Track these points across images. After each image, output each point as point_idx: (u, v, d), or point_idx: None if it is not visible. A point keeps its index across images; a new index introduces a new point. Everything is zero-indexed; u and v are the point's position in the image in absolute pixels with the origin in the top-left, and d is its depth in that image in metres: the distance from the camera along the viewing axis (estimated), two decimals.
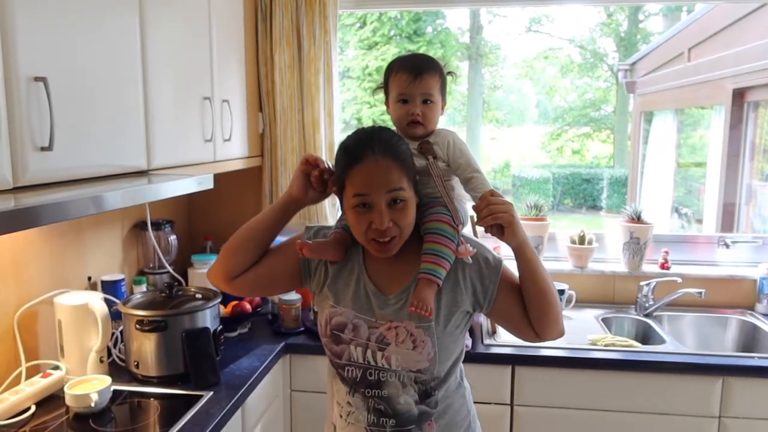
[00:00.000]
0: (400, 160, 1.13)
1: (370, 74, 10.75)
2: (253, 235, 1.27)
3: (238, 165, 2.26)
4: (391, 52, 10.66)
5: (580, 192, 11.76)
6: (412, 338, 1.18)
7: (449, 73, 1.32)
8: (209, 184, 1.67)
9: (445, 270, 1.18)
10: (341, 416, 1.28)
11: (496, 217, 1.13)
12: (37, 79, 1.18)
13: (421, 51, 10.94)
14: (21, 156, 1.16)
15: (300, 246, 1.20)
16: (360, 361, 1.21)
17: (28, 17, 1.17)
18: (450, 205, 1.21)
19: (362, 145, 1.13)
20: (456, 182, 1.29)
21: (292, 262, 1.28)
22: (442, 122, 1.32)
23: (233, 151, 2.19)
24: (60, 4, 1.26)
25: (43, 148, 1.21)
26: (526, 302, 1.23)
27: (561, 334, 1.26)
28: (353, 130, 1.20)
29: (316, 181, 1.22)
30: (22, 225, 1.04)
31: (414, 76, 1.24)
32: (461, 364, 1.32)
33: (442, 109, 1.30)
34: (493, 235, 1.15)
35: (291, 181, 1.25)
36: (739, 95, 4.59)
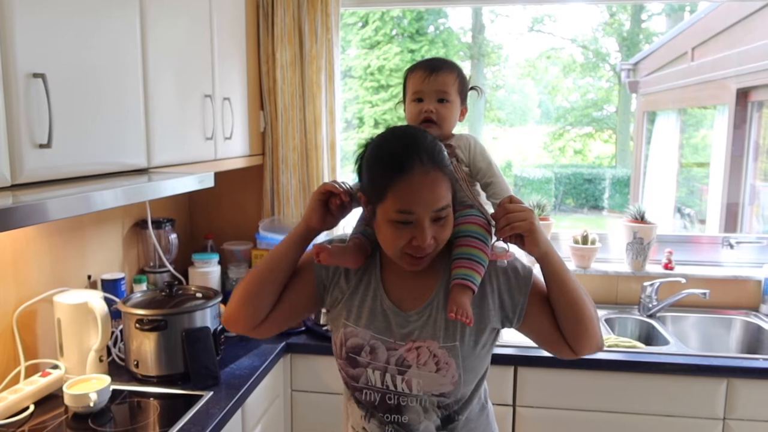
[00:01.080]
0: (446, 171, 1.04)
1: (371, 74, 10.73)
2: (271, 277, 1.15)
3: (239, 163, 2.24)
4: (393, 52, 10.64)
5: (582, 192, 11.73)
6: (435, 359, 1.10)
7: (473, 88, 1.29)
8: (210, 183, 1.65)
9: (480, 275, 1.10)
10: None
11: (514, 227, 1.04)
12: (35, 75, 1.17)
13: (423, 50, 10.93)
14: (19, 153, 1.15)
15: (317, 250, 1.11)
16: (378, 386, 1.14)
17: (27, 13, 1.15)
18: (481, 207, 1.16)
19: (409, 154, 1.01)
20: (479, 188, 1.25)
21: (309, 286, 1.19)
22: (461, 129, 1.28)
23: (234, 149, 2.17)
24: (60, 1, 1.25)
25: (41, 146, 1.19)
26: (557, 316, 1.13)
27: (599, 348, 1.15)
28: (385, 130, 1.10)
29: (337, 208, 1.13)
30: (20, 222, 1.02)
31: (429, 73, 1.21)
32: (486, 384, 1.23)
33: (462, 114, 1.26)
34: (513, 244, 1.09)
35: (307, 211, 1.14)
36: (742, 95, 4.56)
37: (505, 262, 1.15)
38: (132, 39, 1.51)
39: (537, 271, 1.16)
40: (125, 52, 1.49)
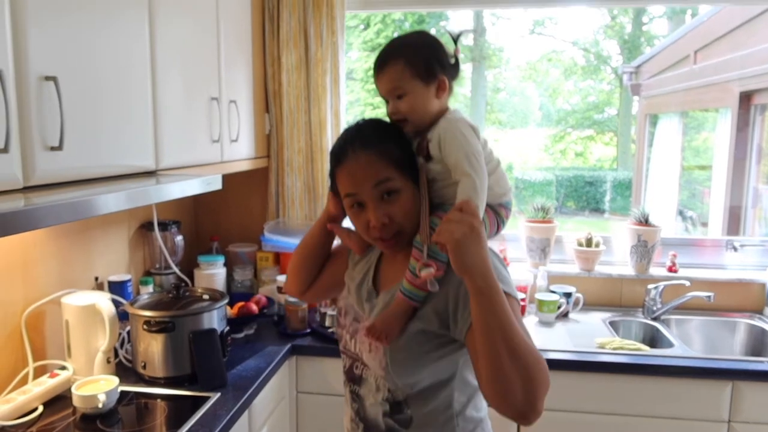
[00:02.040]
0: (382, 150, 1.07)
1: (373, 76, 10.75)
2: (306, 253, 1.32)
3: (244, 166, 2.25)
4: None
5: (584, 195, 11.73)
6: (369, 340, 1.12)
7: (461, 34, 1.15)
8: (218, 185, 1.66)
9: (425, 290, 1.06)
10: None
11: (439, 234, 0.95)
12: (48, 78, 1.18)
13: None
14: (31, 155, 1.16)
15: (331, 227, 1.24)
16: (351, 351, 1.20)
17: (40, 17, 1.16)
18: (423, 219, 1.07)
19: (344, 144, 1.10)
20: (492, 180, 1.11)
21: (343, 265, 1.31)
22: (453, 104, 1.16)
23: (240, 151, 2.18)
24: (71, 4, 1.26)
25: (53, 148, 1.20)
26: (476, 354, 0.97)
27: (520, 416, 0.93)
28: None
29: None
30: (25, 227, 1.02)
31: (377, 73, 1.14)
32: (470, 399, 1.14)
33: (441, 89, 1.11)
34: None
35: (327, 200, 1.25)
36: (745, 98, 4.57)
37: (434, 284, 1.03)
38: (141, 43, 1.52)
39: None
40: (134, 56, 1.50)
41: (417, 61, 1.10)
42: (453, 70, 1.15)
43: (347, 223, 1.22)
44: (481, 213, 1.03)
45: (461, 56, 1.15)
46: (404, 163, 1.08)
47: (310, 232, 1.31)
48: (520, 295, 2.25)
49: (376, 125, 1.13)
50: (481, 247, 0.94)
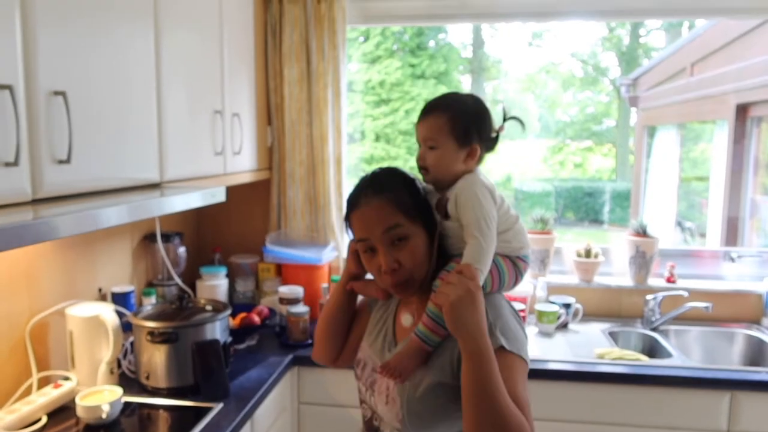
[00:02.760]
0: (392, 197, 1.10)
1: (372, 88, 10.82)
2: (332, 320, 1.30)
3: (247, 178, 2.27)
4: (393, 66, 10.73)
5: (582, 206, 11.76)
6: (387, 392, 1.13)
7: (513, 118, 1.19)
8: (221, 197, 1.68)
9: (440, 336, 1.08)
10: None
11: (435, 296, 1.02)
12: (57, 93, 1.20)
13: (423, 65, 10.99)
14: (40, 169, 1.18)
15: (350, 286, 1.25)
16: (369, 404, 1.20)
17: (49, 33, 1.19)
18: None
19: (358, 190, 1.14)
20: (510, 235, 1.16)
21: (367, 322, 1.30)
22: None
23: (243, 164, 2.21)
24: (79, 21, 1.29)
25: (61, 161, 1.22)
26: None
27: None
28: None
29: None
30: (28, 240, 1.03)
31: (420, 118, 1.18)
32: None
33: (472, 156, 1.15)
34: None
35: (346, 261, 1.26)
36: (742, 110, 4.62)
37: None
38: (146, 57, 1.55)
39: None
40: (140, 71, 1.52)
41: (459, 123, 1.14)
42: (490, 143, 1.19)
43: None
44: (484, 276, 1.08)
45: (502, 134, 1.19)
46: (415, 211, 1.11)
47: (331, 297, 1.31)
48: (519, 306, 2.28)
49: (390, 173, 1.17)
50: (475, 311, 0.99)
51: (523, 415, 0.98)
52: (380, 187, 1.12)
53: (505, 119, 1.20)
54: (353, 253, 1.23)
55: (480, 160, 1.18)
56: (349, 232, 1.17)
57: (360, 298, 1.31)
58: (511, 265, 1.17)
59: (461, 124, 1.14)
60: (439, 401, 1.08)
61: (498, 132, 1.19)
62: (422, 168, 1.18)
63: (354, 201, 1.13)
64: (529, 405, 1.02)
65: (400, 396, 1.11)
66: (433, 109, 1.17)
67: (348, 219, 1.15)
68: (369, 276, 1.24)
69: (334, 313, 1.30)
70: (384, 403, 1.14)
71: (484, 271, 1.08)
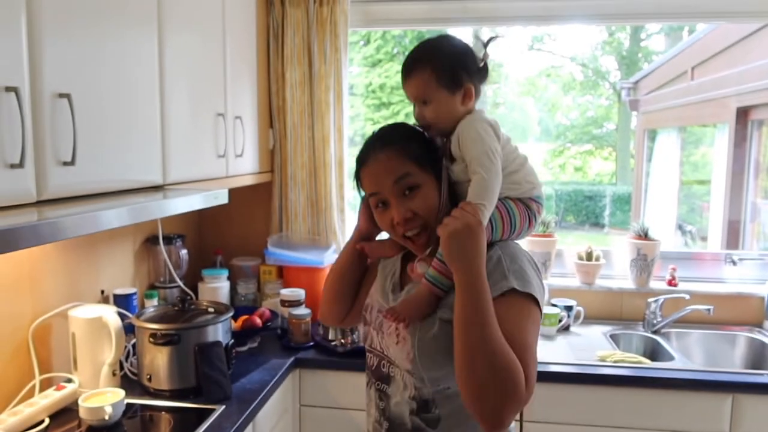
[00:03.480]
0: (400, 148, 1.10)
1: (373, 91, 10.83)
2: (342, 279, 1.30)
3: (249, 180, 2.28)
4: (394, 70, 10.72)
5: (583, 209, 11.76)
6: (396, 332, 1.13)
7: (491, 40, 1.16)
8: (224, 199, 1.69)
9: (450, 279, 1.06)
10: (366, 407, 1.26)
11: (439, 228, 1.02)
12: (61, 95, 1.21)
13: None
14: (44, 170, 1.19)
15: (360, 247, 1.24)
16: (377, 348, 1.19)
17: (55, 36, 1.20)
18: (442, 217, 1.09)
19: (366, 147, 1.15)
20: (520, 176, 1.13)
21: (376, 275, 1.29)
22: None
23: (245, 166, 2.21)
24: (84, 24, 1.30)
25: (65, 163, 1.23)
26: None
27: (487, 424, 0.97)
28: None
29: None
30: (38, 241, 1.04)
31: (404, 78, 1.15)
32: None
33: (467, 96, 1.12)
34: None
35: (357, 218, 1.25)
36: (743, 113, 4.62)
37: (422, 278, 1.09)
38: (150, 60, 1.56)
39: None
40: (143, 73, 1.53)
41: (443, 70, 1.11)
42: (481, 74, 1.16)
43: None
44: (490, 210, 1.06)
45: (489, 60, 1.15)
46: (424, 159, 1.11)
47: (341, 257, 1.30)
48: None
49: (396, 126, 1.18)
50: (473, 244, 0.99)
51: (521, 359, 0.96)
52: (387, 140, 1.13)
53: (485, 45, 1.17)
54: (365, 209, 1.22)
55: (477, 95, 1.15)
56: (360, 191, 1.18)
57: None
58: (524, 208, 1.14)
59: (446, 70, 1.11)
60: (450, 339, 1.05)
61: (484, 60, 1.16)
62: (424, 126, 1.17)
63: (363, 157, 1.14)
64: (530, 350, 1.00)
65: (411, 335, 1.10)
66: (414, 65, 1.13)
67: (358, 177, 1.16)
68: (379, 236, 1.25)
69: (344, 273, 1.29)
70: (395, 343, 1.13)
71: (489, 206, 1.05)
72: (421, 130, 1.17)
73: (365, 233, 1.25)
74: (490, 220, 1.07)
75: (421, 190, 1.10)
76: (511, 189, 1.13)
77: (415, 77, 1.13)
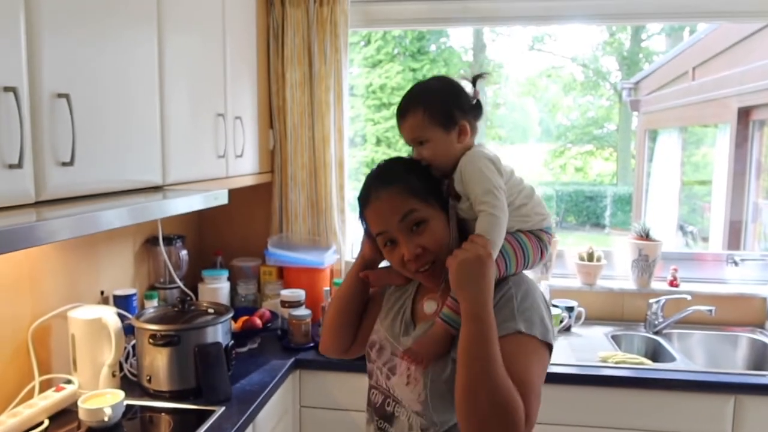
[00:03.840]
0: (401, 185, 1.09)
1: (374, 92, 10.83)
2: (345, 309, 1.27)
3: (249, 181, 2.28)
4: (394, 70, 10.74)
5: (584, 210, 11.75)
6: (408, 373, 1.11)
7: (478, 76, 1.16)
8: (224, 200, 1.68)
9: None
10: None
11: (448, 259, 1.03)
12: (60, 95, 1.20)
13: (425, 69, 11.00)
14: (43, 171, 1.18)
15: (365, 275, 1.22)
16: (383, 386, 1.17)
17: (54, 36, 1.19)
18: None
19: (366, 186, 1.14)
20: (528, 209, 1.14)
21: (380, 306, 1.27)
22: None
23: (245, 167, 2.21)
24: (83, 24, 1.29)
25: (64, 163, 1.22)
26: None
27: None
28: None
29: None
30: (37, 241, 1.04)
31: (399, 120, 1.16)
32: None
33: (462, 133, 1.13)
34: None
35: (361, 244, 1.24)
36: (744, 114, 4.61)
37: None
38: (149, 60, 1.55)
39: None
40: (143, 73, 1.53)
41: (436, 109, 1.12)
42: (475, 111, 1.16)
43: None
44: (499, 244, 1.05)
45: (480, 96, 1.16)
46: (427, 193, 1.10)
47: (343, 285, 1.28)
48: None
49: (395, 162, 1.17)
50: (480, 275, 0.99)
51: (523, 397, 0.96)
52: (387, 179, 1.12)
53: (473, 82, 1.17)
54: (368, 238, 1.21)
55: (474, 132, 1.15)
56: (364, 226, 1.17)
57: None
58: (535, 240, 1.14)
59: (438, 110, 1.12)
60: None
61: (476, 97, 1.16)
62: (428, 166, 1.15)
63: (364, 198, 1.13)
64: (533, 388, 0.99)
65: (423, 376, 1.08)
66: (407, 107, 1.15)
67: (362, 217, 1.15)
68: (382, 264, 1.23)
69: (346, 303, 1.26)
70: (404, 384, 1.11)
71: (497, 241, 1.05)
72: (419, 161, 1.16)
73: (369, 262, 1.23)
74: (502, 254, 1.08)
75: (429, 225, 1.09)
76: (521, 222, 1.13)
77: (408, 119, 1.14)
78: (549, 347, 1.06)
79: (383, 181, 1.12)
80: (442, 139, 1.12)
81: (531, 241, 1.13)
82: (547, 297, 2.44)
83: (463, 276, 1.00)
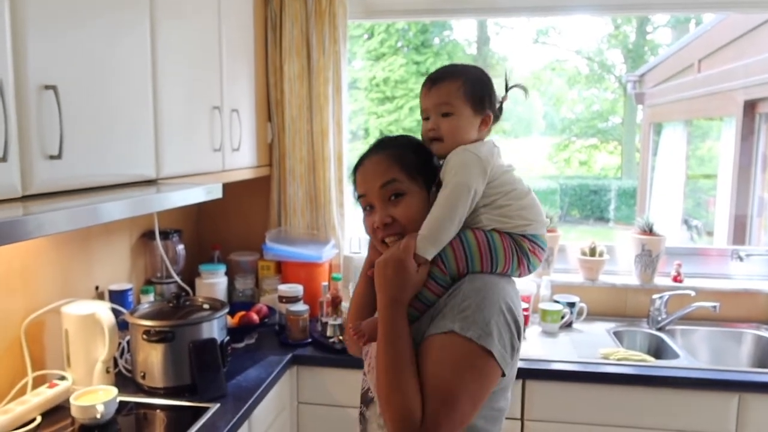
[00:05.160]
0: (394, 153, 1.10)
1: (377, 85, 10.78)
2: (359, 308, 1.25)
3: (246, 174, 2.25)
4: (398, 63, 10.69)
5: (588, 203, 11.70)
6: (370, 360, 1.12)
7: (516, 86, 1.18)
8: (218, 194, 1.66)
9: (418, 311, 1.07)
10: None
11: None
12: (47, 87, 1.18)
13: (428, 62, 10.96)
14: (30, 164, 1.15)
15: (371, 273, 1.12)
16: (366, 375, 1.18)
17: (40, 26, 1.16)
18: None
19: (366, 151, 1.16)
20: (511, 211, 1.09)
21: None
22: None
23: (242, 160, 2.18)
24: (72, 13, 1.26)
25: (52, 157, 1.20)
26: None
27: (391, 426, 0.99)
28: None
29: None
30: (26, 235, 1.01)
31: (429, 87, 1.14)
32: None
33: (485, 122, 1.13)
34: None
35: (368, 248, 1.23)
36: (750, 106, 4.56)
37: None
38: (142, 51, 1.52)
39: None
40: (135, 64, 1.50)
41: (475, 87, 1.12)
42: (497, 111, 1.17)
43: None
44: (435, 247, 1.04)
45: (505, 105, 1.17)
46: (416, 170, 1.10)
47: (357, 286, 1.27)
48: (523, 305, 2.24)
49: (399, 136, 1.19)
50: (394, 275, 1.03)
51: (433, 404, 0.95)
52: (384, 146, 1.14)
53: (507, 88, 1.18)
54: (379, 244, 1.19)
55: (489, 131, 1.16)
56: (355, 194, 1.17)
57: None
58: (511, 243, 1.07)
59: (476, 88, 1.12)
60: None
61: (501, 102, 1.17)
62: (434, 139, 1.13)
63: (360, 159, 1.15)
64: (449, 397, 0.95)
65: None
66: (445, 74, 1.14)
67: (354, 178, 1.16)
68: None
69: (361, 302, 1.26)
70: (368, 372, 1.14)
71: (435, 242, 1.04)
72: (419, 141, 1.16)
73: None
74: (463, 248, 1.05)
75: (405, 199, 1.09)
76: (498, 222, 1.08)
77: (444, 85, 1.12)
78: (490, 353, 0.98)
79: (380, 146, 1.14)
80: (468, 118, 1.11)
81: (504, 243, 1.07)
82: (549, 293, 2.41)
83: (378, 276, 1.06)
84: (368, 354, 1.17)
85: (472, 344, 0.97)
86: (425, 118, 1.15)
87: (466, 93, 1.11)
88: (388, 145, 1.14)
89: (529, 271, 1.12)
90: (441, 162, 1.13)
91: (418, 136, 1.19)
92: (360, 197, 1.14)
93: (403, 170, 1.09)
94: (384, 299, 1.04)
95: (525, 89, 1.20)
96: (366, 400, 1.18)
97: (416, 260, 1.05)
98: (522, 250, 1.08)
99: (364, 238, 2.47)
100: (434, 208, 1.06)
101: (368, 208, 1.13)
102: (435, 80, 1.14)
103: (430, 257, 1.05)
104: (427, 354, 1.00)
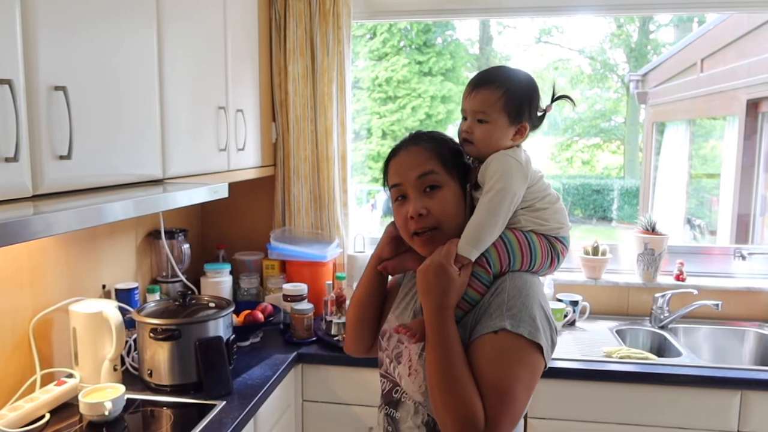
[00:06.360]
0: (431, 146, 1.11)
1: (379, 85, 10.79)
2: (364, 305, 1.27)
3: (251, 174, 2.26)
4: (400, 63, 10.69)
5: (591, 203, 11.70)
6: (409, 363, 1.11)
7: (562, 97, 1.19)
8: (224, 194, 1.67)
9: (462, 310, 1.07)
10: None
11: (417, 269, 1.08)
12: (57, 88, 1.19)
13: (430, 62, 10.95)
14: (40, 164, 1.17)
15: (382, 267, 1.21)
16: (391, 375, 1.17)
17: (50, 28, 1.18)
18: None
19: (399, 143, 1.17)
20: (548, 215, 1.13)
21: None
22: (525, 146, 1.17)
23: (247, 160, 2.20)
24: (81, 16, 1.28)
25: (61, 157, 1.22)
26: None
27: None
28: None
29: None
30: (33, 235, 1.02)
31: (470, 90, 1.14)
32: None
33: (520, 133, 1.13)
34: None
35: (379, 246, 1.23)
36: (753, 106, 4.55)
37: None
38: (149, 52, 1.54)
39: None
40: (142, 66, 1.51)
41: (514, 99, 1.11)
42: (537, 121, 1.17)
43: None
44: (475, 245, 1.06)
45: (549, 114, 1.18)
46: (452, 165, 1.12)
47: (360, 284, 1.27)
48: None
49: (432, 131, 1.19)
50: (437, 282, 1.03)
51: (492, 401, 0.96)
52: (421, 138, 1.15)
53: (553, 99, 1.19)
54: (388, 237, 1.21)
55: (525, 138, 1.16)
56: (386, 186, 1.17)
57: (389, 279, 1.28)
58: (546, 244, 1.13)
59: (516, 100, 1.12)
60: None
61: (545, 111, 1.17)
62: (465, 140, 1.15)
63: (394, 151, 1.16)
64: (507, 393, 0.97)
65: (423, 368, 1.08)
66: (487, 81, 1.13)
67: (385, 169, 1.16)
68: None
69: (364, 301, 1.26)
70: (407, 375, 1.12)
71: (478, 244, 1.06)
72: (454, 140, 1.18)
73: (385, 260, 1.22)
74: (506, 249, 1.08)
75: (441, 191, 1.10)
76: (537, 224, 1.12)
77: (484, 92, 1.12)
78: (540, 348, 1.01)
79: (416, 138, 1.15)
80: (503, 128, 1.12)
81: (541, 244, 1.12)
82: (552, 291, 2.42)
83: (422, 283, 1.05)
84: (400, 355, 1.15)
85: (523, 341, 1.00)
86: (464, 118, 1.17)
87: (505, 105, 1.11)
88: (425, 138, 1.15)
89: (554, 270, 1.18)
90: (470, 160, 1.17)
91: None
92: (393, 187, 1.13)
93: (441, 163, 1.10)
94: (430, 306, 1.03)
95: (572, 100, 1.20)
96: (392, 401, 1.16)
97: (459, 261, 1.05)
98: (555, 250, 1.14)
99: (368, 238, 2.50)
100: (478, 211, 1.07)
101: (400, 198, 1.12)
102: (477, 85, 1.14)
103: (473, 258, 1.06)
104: (479, 353, 1.01)
